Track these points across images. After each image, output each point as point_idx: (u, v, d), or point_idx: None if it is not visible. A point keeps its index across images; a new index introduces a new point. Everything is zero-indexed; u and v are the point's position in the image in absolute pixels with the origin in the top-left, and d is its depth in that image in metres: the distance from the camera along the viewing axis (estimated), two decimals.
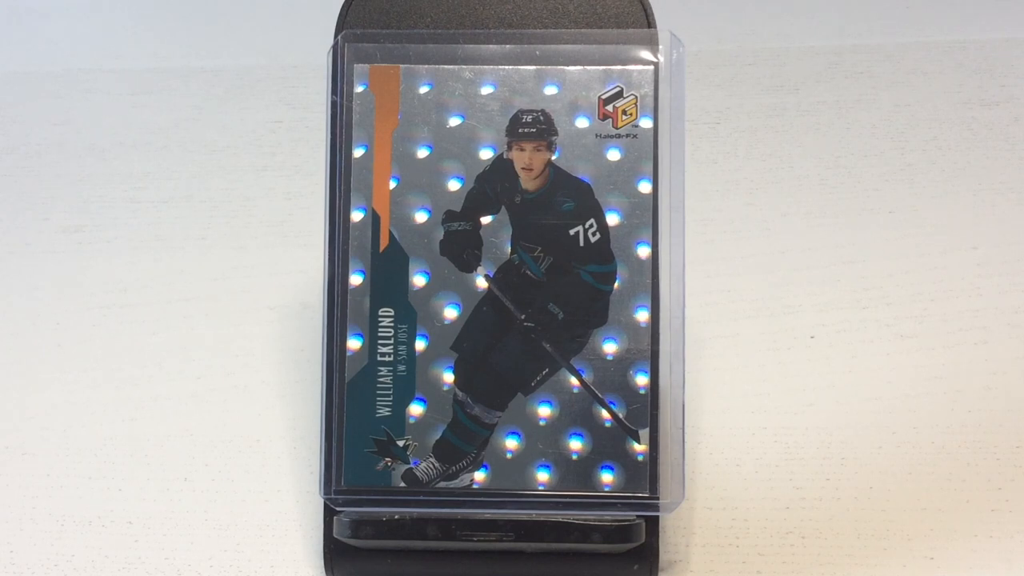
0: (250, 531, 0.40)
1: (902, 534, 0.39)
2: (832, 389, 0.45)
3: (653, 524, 0.35)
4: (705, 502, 0.41)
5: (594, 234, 0.35)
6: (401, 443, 0.35)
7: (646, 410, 0.35)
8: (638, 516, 0.35)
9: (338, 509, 0.35)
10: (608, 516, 0.34)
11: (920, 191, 0.53)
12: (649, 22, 0.37)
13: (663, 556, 0.37)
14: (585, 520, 0.34)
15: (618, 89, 0.35)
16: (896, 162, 0.55)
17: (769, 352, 0.46)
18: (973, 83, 0.59)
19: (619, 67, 0.35)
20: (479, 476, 0.35)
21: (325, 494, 0.35)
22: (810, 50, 0.62)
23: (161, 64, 0.63)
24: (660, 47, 0.36)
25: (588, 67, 0.35)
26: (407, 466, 0.35)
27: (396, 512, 0.34)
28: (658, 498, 0.34)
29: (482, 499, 0.35)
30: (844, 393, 0.45)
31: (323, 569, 0.37)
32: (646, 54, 0.35)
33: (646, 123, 0.35)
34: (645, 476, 0.35)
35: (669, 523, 0.40)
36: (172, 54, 0.64)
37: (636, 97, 0.35)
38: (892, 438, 0.43)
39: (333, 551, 0.36)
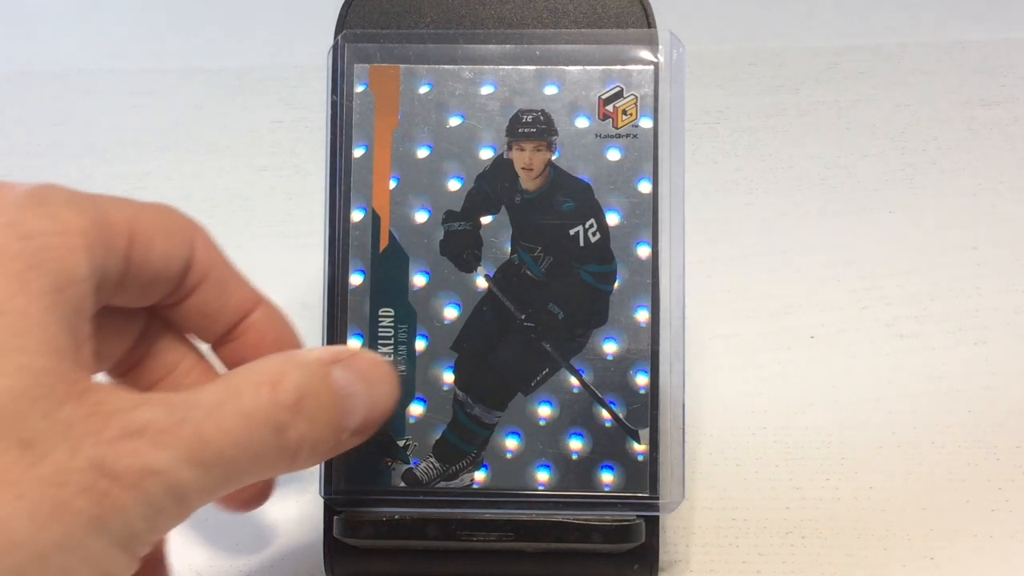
0: (250, 531, 0.40)
1: (902, 534, 0.39)
2: (832, 389, 0.45)
3: (653, 524, 0.35)
4: (705, 502, 0.41)
5: (594, 234, 0.35)
6: (401, 443, 0.35)
7: (646, 410, 0.35)
8: (638, 516, 0.35)
9: (338, 509, 0.35)
10: (608, 516, 0.34)
11: (920, 191, 0.53)
12: (649, 22, 0.37)
13: (663, 556, 0.37)
14: (585, 520, 0.34)
15: (618, 89, 0.35)
16: (896, 162, 0.55)
17: (769, 352, 0.46)
18: (973, 83, 0.59)
19: (619, 67, 0.35)
20: (479, 476, 0.35)
21: (325, 494, 0.35)
22: (810, 50, 0.62)
23: (161, 64, 0.63)
24: (660, 47, 0.36)
25: (588, 67, 0.35)
26: (407, 466, 0.35)
27: (396, 512, 0.34)
28: (658, 498, 0.34)
29: (482, 499, 0.35)
30: (844, 393, 0.45)
31: (323, 569, 0.37)
32: (646, 54, 0.35)
33: (646, 123, 0.35)
34: (645, 476, 0.35)
35: (669, 523, 0.40)
36: (172, 54, 0.64)
37: (636, 97, 0.35)
38: (892, 438, 0.43)
39: (333, 551, 0.36)
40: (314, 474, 0.42)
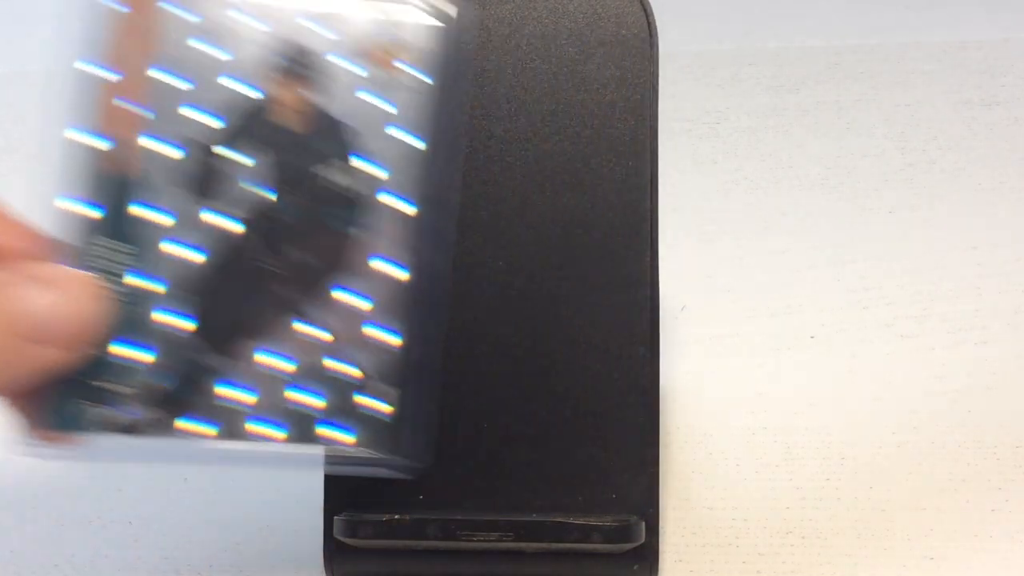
0: (250, 531, 0.40)
1: (902, 534, 0.39)
2: (832, 389, 0.45)
3: (653, 524, 0.35)
4: (705, 502, 0.41)
5: (348, 180, 0.34)
6: (121, 390, 0.32)
7: (391, 368, 0.32)
8: (632, 515, 0.34)
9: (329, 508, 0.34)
10: (593, 518, 0.34)
11: (920, 191, 0.53)
12: (649, 23, 0.37)
13: (663, 556, 0.37)
14: (586, 520, 0.34)
15: (391, 38, 0.33)
16: (896, 162, 0.55)
17: (769, 352, 0.46)
18: (973, 83, 0.59)
19: (395, 17, 0.33)
20: (207, 430, 0.32)
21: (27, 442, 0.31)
22: (810, 50, 0.62)
23: None
24: (442, 5, 0.34)
25: (363, 13, 0.33)
26: (130, 416, 0.31)
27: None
28: (400, 459, 0.32)
29: (207, 453, 0.32)
30: (844, 393, 0.45)
31: (323, 569, 0.37)
32: (424, 9, 0.34)
33: (418, 76, 0.33)
34: (385, 436, 0.32)
35: (669, 523, 0.40)
36: None
37: (411, 49, 0.33)
38: (892, 438, 0.43)
39: (333, 551, 0.36)
40: (317, 480, 0.42)
